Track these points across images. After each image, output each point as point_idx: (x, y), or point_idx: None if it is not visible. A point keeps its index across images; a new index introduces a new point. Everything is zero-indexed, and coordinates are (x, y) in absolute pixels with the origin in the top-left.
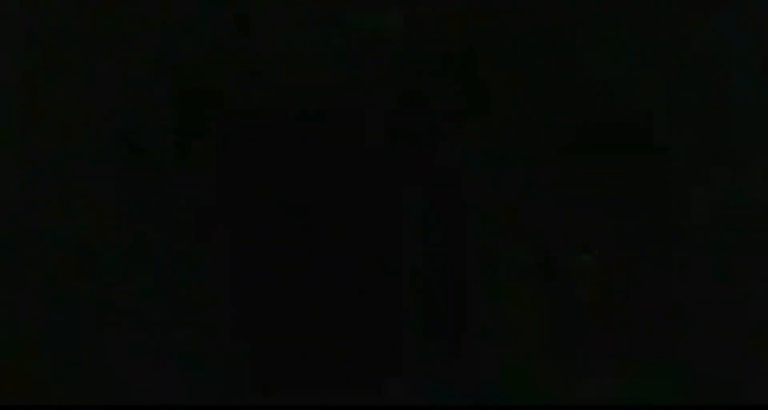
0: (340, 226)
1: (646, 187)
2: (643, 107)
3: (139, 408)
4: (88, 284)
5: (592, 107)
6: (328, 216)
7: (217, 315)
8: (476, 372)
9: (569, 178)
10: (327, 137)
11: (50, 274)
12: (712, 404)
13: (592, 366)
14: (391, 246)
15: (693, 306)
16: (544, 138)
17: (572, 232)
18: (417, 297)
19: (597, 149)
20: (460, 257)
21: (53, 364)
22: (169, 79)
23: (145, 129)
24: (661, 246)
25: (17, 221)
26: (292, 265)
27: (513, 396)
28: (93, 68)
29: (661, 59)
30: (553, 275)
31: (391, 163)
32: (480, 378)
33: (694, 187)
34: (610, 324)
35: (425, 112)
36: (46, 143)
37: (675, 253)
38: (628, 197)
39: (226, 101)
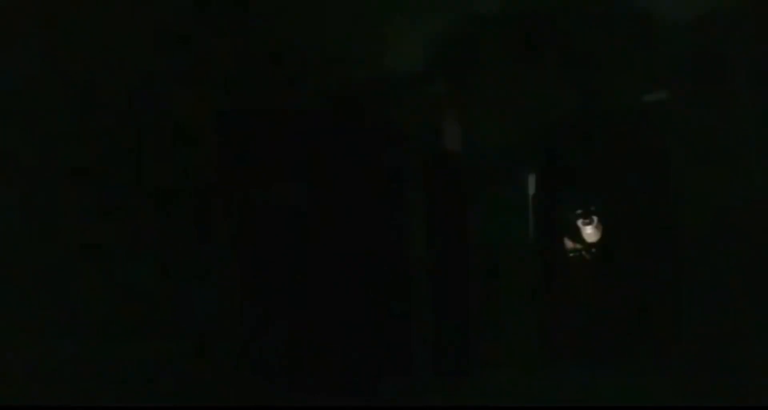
0: (343, 226)
1: (645, 186)
2: (642, 105)
3: (139, 409)
4: (90, 284)
5: (593, 104)
6: (330, 216)
7: (221, 316)
8: (479, 373)
9: (569, 176)
10: (328, 133)
11: (52, 275)
12: (712, 404)
13: (592, 365)
14: (395, 246)
15: (693, 306)
16: (545, 136)
17: (572, 230)
18: (422, 298)
19: (597, 147)
20: (462, 256)
21: (55, 364)
22: (168, 78)
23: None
24: (661, 245)
25: (19, 220)
26: (295, 266)
27: (514, 395)
28: (93, 68)
29: (662, 58)
30: (552, 272)
31: (392, 160)
32: (483, 378)
33: (693, 187)
34: (610, 324)
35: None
36: (47, 141)
37: (674, 253)
38: (628, 197)
39: (226, 100)
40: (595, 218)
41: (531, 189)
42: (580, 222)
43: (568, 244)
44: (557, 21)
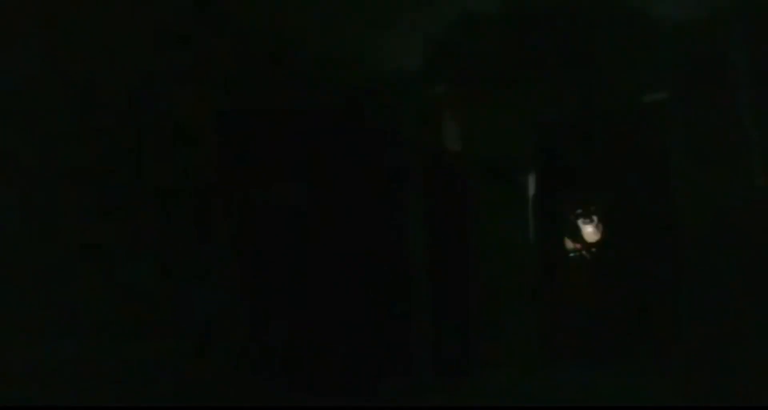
0: (343, 226)
1: (645, 186)
2: (642, 105)
3: (139, 409)
4: (90, 284)
5: (593, 104)
6: (330, 216)
7: (221, 316)
8: (479, 373)
9: (569, 176)
10: (328, 133)
11: (52, 275)
12: (712, 404)
13: (592, 365)
14: (395, 246)
15: (693, 306)
16: (545, 136)
17: (572, 230)
18: (422, 298)
19: (597, 147)
20: (462, 256)
21: (56, 364)
22: (168, 78)
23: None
24: (661, 245)
25: (19, 220)
26: (295, 266)
27: (514, 395)
28: (93, 68)
29: (662, 58)
30: (552, 272)
31: (392, 160)
32: (483, 378)
33: (693, 187)
34: (610, 324)
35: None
36: (47, 141)
37: (674, 253)
38: (628, 196)
39: (226, 100)
40: (595, 218)
41: (531, 189)
42: (580, 222)
43: (568, 244)
44: (557, 21)
